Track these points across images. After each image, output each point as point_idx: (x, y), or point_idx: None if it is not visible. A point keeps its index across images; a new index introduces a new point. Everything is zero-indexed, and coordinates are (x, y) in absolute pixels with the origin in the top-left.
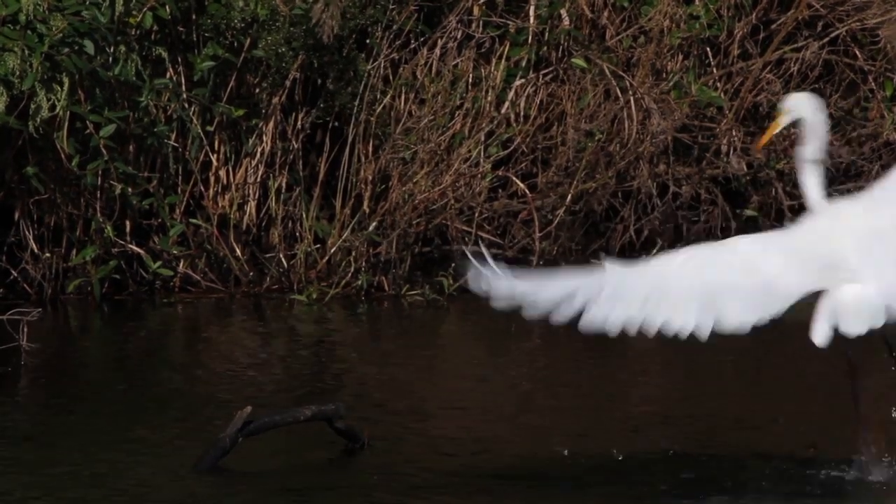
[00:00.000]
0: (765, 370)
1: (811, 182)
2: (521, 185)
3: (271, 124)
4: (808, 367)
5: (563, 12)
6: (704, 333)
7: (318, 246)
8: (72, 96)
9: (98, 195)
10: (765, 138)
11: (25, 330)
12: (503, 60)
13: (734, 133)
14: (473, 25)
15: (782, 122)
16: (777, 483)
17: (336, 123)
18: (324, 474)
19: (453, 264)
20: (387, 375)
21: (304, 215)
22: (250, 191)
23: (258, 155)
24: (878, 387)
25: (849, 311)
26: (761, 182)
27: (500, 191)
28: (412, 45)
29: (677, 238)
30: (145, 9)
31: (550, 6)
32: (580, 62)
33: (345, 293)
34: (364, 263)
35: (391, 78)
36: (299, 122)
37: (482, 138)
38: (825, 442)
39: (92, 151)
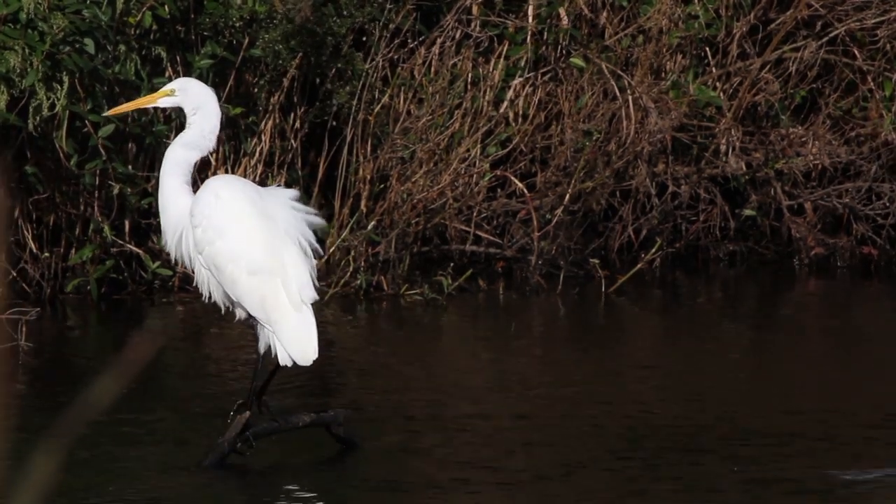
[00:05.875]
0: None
1: (181, 171)
2: (520, 184)
3: (270, 123)
4: (810, 365)
5: (562, 12)
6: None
7: None
8: (71, 95)
9: (97, 195)
10: (128, 107)
11: (24, 329)
12: (502, 60)
13: (733, 133)
14: (472, 25)
15: (164, 102)
16: (777, 482)
17: (334, 123)
18: (322, 474)
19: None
20: (386, 374)
21: None
22: None
23: (257, 154)
24: None
25: None
26: (760, 182)
27: (498, 190)
28: (410, 45)
29: (676, 238)
30: (145, 8)
31: (549, 6)
32: (578, 62)
33: (344, 293)
34: (363, 263)
35: (389, 77)
36: (298, 122)
37: (480, 138)
38: (830, 433)
39: (91, 151)
